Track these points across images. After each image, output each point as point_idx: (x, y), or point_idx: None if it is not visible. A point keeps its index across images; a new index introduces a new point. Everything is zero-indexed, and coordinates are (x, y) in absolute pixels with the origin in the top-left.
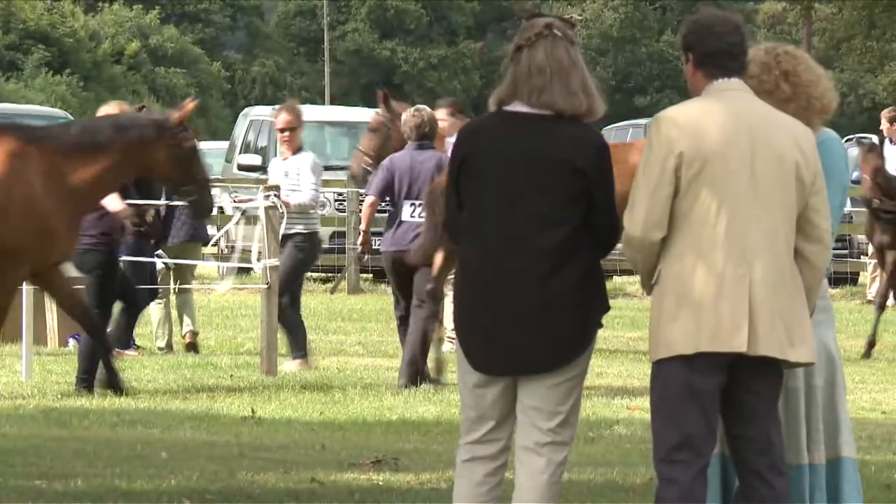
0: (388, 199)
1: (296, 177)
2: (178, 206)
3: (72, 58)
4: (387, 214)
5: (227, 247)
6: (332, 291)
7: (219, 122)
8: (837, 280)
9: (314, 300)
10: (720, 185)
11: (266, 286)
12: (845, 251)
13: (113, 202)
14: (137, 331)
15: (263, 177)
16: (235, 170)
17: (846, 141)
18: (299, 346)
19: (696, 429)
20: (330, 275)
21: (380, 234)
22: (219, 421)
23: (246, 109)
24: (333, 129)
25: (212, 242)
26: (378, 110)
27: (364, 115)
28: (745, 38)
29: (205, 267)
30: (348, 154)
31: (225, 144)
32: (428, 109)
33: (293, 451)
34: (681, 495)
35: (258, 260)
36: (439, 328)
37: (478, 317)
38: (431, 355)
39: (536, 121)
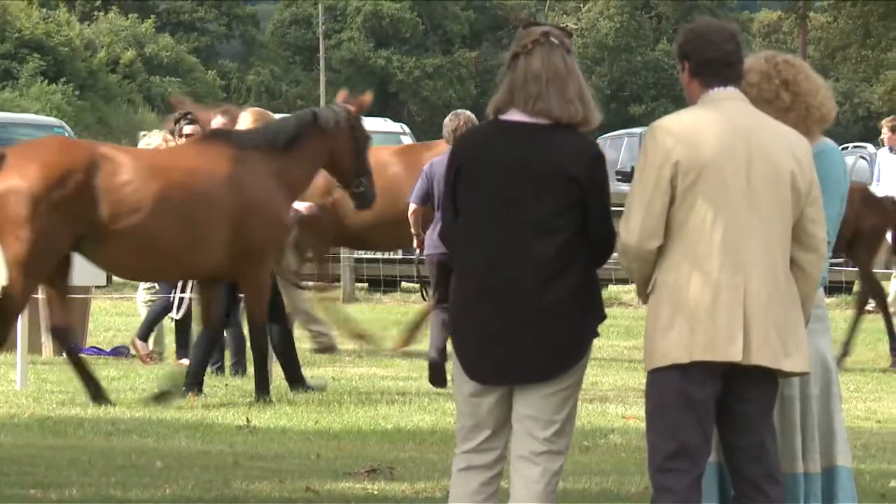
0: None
1: None
2: None
3: (67, 67)
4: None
5: None
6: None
7: None
8: (833, 289)
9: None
10: (716, 194)
11: None
12: (841, 260)
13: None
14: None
15: None
16: None
17: (842, 149)
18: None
19: (691, 438)
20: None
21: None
22: (213, 430)
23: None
24: None
25: None
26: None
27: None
28: (742, 47)
29: None
30: None
31: None
32: (466, 112)
33: (288, 461)
34: None
35: None
36: None
37: (473, 325)
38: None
39: (532, 129)
